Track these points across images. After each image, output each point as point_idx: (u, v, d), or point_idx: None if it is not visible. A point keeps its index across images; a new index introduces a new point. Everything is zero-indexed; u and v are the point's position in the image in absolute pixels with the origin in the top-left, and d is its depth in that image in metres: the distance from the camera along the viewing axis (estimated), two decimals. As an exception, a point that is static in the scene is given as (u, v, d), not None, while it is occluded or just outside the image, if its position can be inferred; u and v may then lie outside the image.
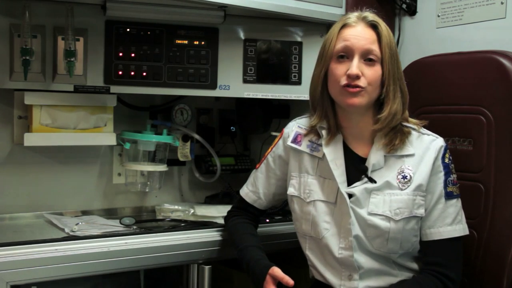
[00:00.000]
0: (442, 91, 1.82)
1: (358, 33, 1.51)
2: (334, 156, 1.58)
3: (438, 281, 1.51)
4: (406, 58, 2.10)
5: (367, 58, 1.50)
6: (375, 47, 1.50)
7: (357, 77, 1.48)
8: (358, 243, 1.53)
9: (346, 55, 1.52)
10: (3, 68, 1.78)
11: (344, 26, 1.54)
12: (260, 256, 1.63)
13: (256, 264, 1.60)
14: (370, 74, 1.50)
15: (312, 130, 1.64)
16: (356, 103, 1.51)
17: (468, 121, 1.74)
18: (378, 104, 1.57)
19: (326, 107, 1.59)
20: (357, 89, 1.49)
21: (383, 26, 1.53)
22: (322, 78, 1.57)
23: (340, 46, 1.52)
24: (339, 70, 1.52)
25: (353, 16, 1.55)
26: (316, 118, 1.62)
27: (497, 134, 1.67)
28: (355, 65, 1.49)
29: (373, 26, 1.52)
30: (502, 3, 1.94)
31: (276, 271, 1.54)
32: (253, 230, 1.76)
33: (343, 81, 1.50)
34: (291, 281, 1.51)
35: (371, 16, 1.54)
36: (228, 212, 1.84)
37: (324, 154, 1.60)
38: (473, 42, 1.97)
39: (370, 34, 1.52)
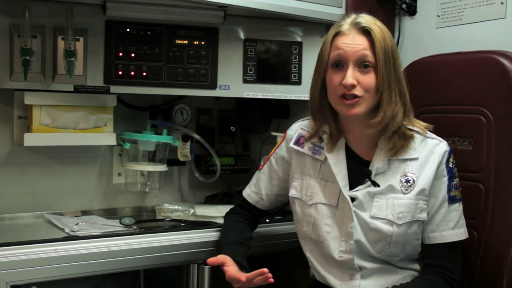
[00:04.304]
0: (442, 91, 1.82)
1: (350, 41, 1.49)
2: (336, 160, 1.58)
3: (448, 283, 1.52)
4: (406, 58, 2.09)
5: (361, 65, 1.48)
6: (368, 54, 1.48)
7: (353, 86, 1.47)
8: (359, 247, 1.53)
9: (340, 64, 1.50)
10: (3, 68, 1.78)
11: (337, 34, 1.52)
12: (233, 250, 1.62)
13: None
14: (366, 81, 1.48)
15: (315, 133, 1.64)
16: (355, 113, 1.50)
17: (468, 121, 1.74)
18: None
19: (326, 114, 1.59)
20: (354, 100, 1.48)
21: (376, 30, 1.49)
22: (320, 86, 1.56)
23: (334, 55, 1.51)
24: (335, 79, 1.50)
25: (346, 23, 1.52)
26: (316, 126, 1.62)
27: (497, 134, 1.67)
28: (349, 75, 1.47)
29: (366, 32, 1.49)
30: (502, 3, 1.94)
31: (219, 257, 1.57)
32: (243, 229, 1.74)
33: (340, 91, 1.49)
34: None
35: (364, 21, 1.50)
36: (229, 209, 1.85)
37: (326, 158, 1.59)
38: (473, 42, 1.97)
39: (362, 41, 1.49)
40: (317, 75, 1.57)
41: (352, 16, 1.54)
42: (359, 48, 1.48)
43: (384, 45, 1.48)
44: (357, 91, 1.48)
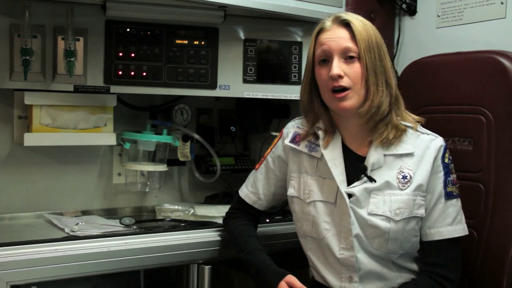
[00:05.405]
0: (442, 91, 1.82)
1: (332, 35, 1.53)
2: (332, 156, 1.58)
3: (435, 282, 1.51)
4: (406, 58, 2.10)
5: (346, 56, 1.51)
6: (350, 44, 1.51)
7: (340, 77, 1.50)
8: (359, 243, 1.53)
9: (327, 59, 1.53)
10: (3, 68, 1.78)
11: (320, 31, 1.57)
12: (270, 261, 1.63)
13: (267, 269, 1.60)
14: (352, 71, 1.51)
15: (310, 131, 1.64)
16: (347, 107, 1.52)
17: (468, 121, 1.74)
18: None
19: (318, 112, 1.61)
20: (344, 93, 1.50)
21: (357, 22, 1.52)
22: (309, 84, 1.59)
23: (319, 51, 1.55)
24: (323, 74, 1.54)
25: (328, 20, 1.57)
26: (309, 124, 1.64)
27: (497, 134, 1.67)
28: (335, 66, 1.50)
29: (347, 24, 1.53)
30: (502, 3, 1.95)
31: (294, 280, 1.54)
32: (256, 233, 1.76)
33: (329, 84, 1.52)
34: None
35: (344, 15, 1.55)
36: (227, 213, 1.83)
37: (322, 154, 1.60)
38: (473, 42, 1.97)
39: (344, 33, 1.52)
40: (306, 74, 1.61)
41: (334, 14, 1.58)
42: (341, 40, 1.52)
43: (367, 35, 1.51)
44: (345, 83, 1.50)
